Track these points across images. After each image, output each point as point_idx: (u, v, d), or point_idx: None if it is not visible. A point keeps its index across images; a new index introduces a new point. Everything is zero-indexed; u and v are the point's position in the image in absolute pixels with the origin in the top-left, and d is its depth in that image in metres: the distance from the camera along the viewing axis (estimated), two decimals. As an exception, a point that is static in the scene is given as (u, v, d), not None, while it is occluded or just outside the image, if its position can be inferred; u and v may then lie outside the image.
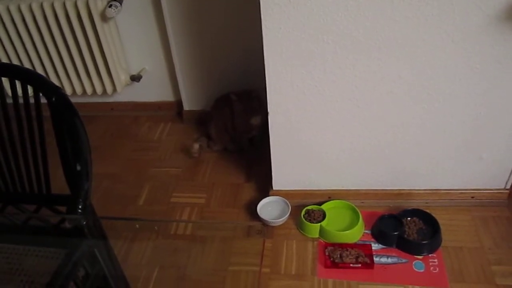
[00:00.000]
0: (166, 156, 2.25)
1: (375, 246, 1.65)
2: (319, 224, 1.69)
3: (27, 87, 1.04)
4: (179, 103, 2.46)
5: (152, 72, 2.39)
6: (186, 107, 2.42)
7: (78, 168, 0.94)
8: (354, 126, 1.60)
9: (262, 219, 1.76)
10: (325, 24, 1.35)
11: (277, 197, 1.82)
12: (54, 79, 2.33)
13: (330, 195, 1.80)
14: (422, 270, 1.55)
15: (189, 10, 2.07)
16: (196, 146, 2.14)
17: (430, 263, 1.57)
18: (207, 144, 2.21)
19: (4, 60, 2.28)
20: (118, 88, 2.32)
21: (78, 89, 2.36)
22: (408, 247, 1.62)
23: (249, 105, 1.97)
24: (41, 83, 1.02)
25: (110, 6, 2.00)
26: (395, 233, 1.63)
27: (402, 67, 1.42)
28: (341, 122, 1.59)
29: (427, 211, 1.71)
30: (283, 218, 1.76)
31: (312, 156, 1.71)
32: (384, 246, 1.65)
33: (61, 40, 2.17)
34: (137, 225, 1.36)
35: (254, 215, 1.80)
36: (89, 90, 2.34)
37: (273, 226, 1.77)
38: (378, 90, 1.49)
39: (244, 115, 1.99)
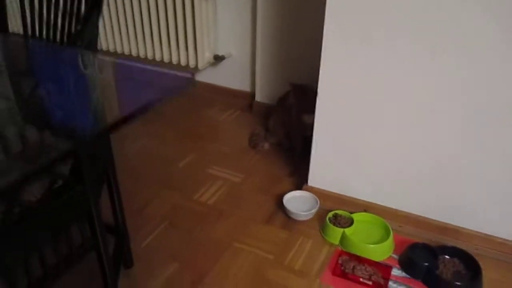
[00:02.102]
0: (223, 136, 2.25)
1: (396, 272, 1.43)
2: (342, 229, 1.53)
3: None
4: (253, 95, 2.47)
5: (237, 59, 2.45)
6: (258, 98, 2.42)
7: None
8: (408, 138, 1.44)
9: (286, 209, 1.64)
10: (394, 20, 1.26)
11: (309, 193, 1.70)
12: (148, 43, 2.50)
13: (366, 208, 1.63)
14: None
15: (283, 7, 2.11)
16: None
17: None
18: (264, 135, 2.17)
19: (112, 16, 2.51)
20: (200, 64, 2.40)
21: (166, 57, 2.49)
22: (437, 285, 1.38)
23: (305, 102, 1.89)
24: None
25: (210, -20, 2.10)
26: (425, 264, 1.40)
27: (471, 86, 1.26)
28: (394, 130, 1.45)
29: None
30: (307, 213, 1.62)
31: (355, 159, 1.57)
32: (408, 276, 1.42)
33: (163, 6, 2.33)
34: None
35: (281, 206, 1.68)
36: (174, 59, 2.46)
37: (295, 220, 1.64)
38: (441, 105, 1.33)
39: (298, 111, 1.91)
